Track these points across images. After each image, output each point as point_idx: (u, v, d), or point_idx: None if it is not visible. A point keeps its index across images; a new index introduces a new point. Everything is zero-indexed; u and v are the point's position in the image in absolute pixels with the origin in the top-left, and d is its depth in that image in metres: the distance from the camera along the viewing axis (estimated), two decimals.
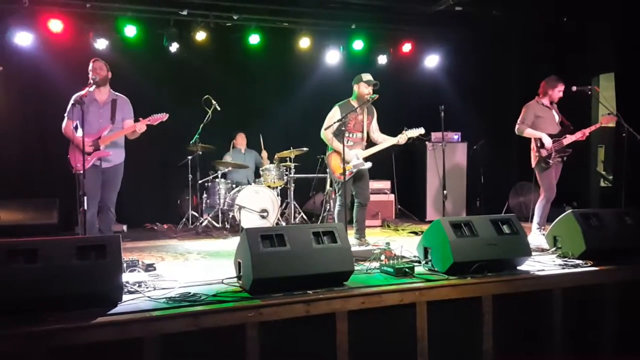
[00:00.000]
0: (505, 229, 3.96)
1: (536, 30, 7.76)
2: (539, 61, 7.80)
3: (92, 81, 4.62)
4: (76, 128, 4.69)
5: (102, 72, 4.75)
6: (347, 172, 5.14)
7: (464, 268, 3.69)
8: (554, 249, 4.46)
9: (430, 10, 7.66)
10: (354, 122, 5.27)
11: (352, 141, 5.29)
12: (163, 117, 4.95)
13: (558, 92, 5.65)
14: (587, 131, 5.60)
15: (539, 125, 5.63)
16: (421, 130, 5.33)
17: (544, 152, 5.56)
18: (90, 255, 3.04)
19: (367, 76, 5.32)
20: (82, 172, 4.54)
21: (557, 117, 5.75)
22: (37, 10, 6.73)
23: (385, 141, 5.41)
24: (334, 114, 5.27)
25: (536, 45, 7.83)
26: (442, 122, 5.62)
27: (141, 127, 4.83)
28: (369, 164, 5.35)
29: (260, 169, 7.24)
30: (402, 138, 5.32)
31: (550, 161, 5.55)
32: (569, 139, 5.57)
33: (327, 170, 5.62)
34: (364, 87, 5.26)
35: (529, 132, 5.63)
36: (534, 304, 3.77)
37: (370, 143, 5.52)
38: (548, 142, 5.53)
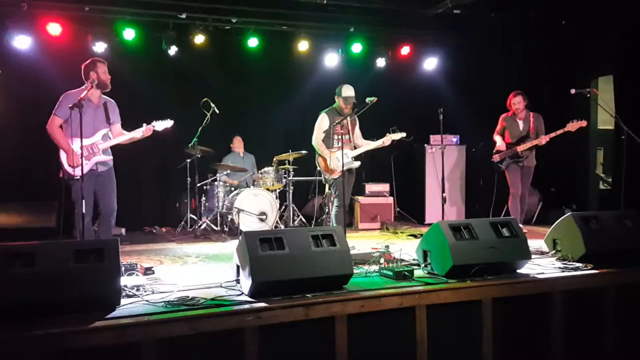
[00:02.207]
0: (505, 232, 3.94)
1: (535, 33, 7.77)
2: (537, 64, 7.82)
3: (95, 83, 4.59)
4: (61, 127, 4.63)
5: (108, 75, 4.72)
6: (337, 170, 5.35)
7: (464, 271, 3.67)
8: (553, 251, 4.45)
9: (428, 13, 7.67)
10: (341, 125, 5.49)
11: (342, 142, 5.48)
12: (168, 124, 4.93)
13: (513, 105, 6.34)
14: (547, 137, 6.10)
15: (505, 134, 6.44)
16: (403, 134, 5.64)
17: (495, 158, 6.44)
18: (89, 259, 3.02)
19: (347, 92, 5.50)
20: (75, 177, 4.52)
21: (521, 127, 6.36)
22: (36, 14, 6.74)
23: (369, 144, 5.68)
24: (322, 121, 5.54)
25: (535, 48, 7.85)
26: (441, 125, 5.69)
27: (147, 133, 4.81)
28: (357, 163, 5.60)
29: (259, 171, 7.23)
30: (386, 139, 5.59)
31: (502, 165, 6.39)
32: (525, 145, 6.21)
33: (318, 170, 5.74)
34: (342, 103, 5.51)
35: (495, 139, 6.51)
36: (533, 307, 3.76)
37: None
38: (500, 145, 6.40)
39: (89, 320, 2.79)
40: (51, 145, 4.69)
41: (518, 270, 3.96)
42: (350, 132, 5.63)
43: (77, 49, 6.85)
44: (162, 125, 4.91)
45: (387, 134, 5.58)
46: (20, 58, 6.86)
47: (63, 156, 4.63)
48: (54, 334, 2.67)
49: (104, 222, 4.74)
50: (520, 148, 6.24)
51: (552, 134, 6.06)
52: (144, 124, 4.83)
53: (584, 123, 5.89)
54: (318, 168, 5.73)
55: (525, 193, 6.42)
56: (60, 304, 2.89)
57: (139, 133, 4.81)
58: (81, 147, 4.29)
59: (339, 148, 5.36)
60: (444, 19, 7.74)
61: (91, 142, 4.62)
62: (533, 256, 4.15)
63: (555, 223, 4.47)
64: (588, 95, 5.77)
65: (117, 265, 3.09)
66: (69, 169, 4.58)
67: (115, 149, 4.94)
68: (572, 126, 5.94)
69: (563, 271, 3.98)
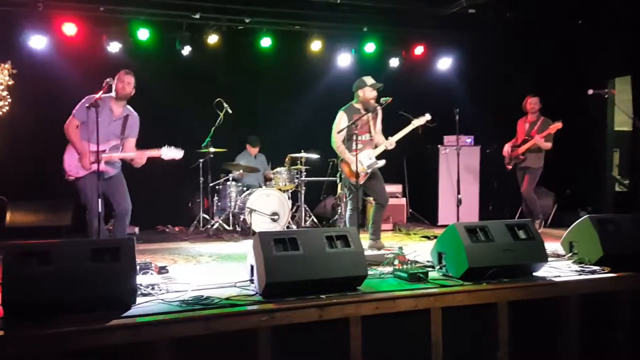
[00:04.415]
0: (521, 234, 3.90)
1: (550, 33, 7.69)
2: (553, 64, 7.74)
3: (114, 92, 4.58)
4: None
5: (130, 87, 4.64)
6: (362, 174, 5.15)
7: (479, 274, 3.64)
8: (570, 254, 4.39)
9: (442, 13, 7.62)
10: (360, 124, 5.24)
11: (362, 143, 5.25)
12: (177, 154, 4.75)
13: (530, 104, 6.59)
14: (540, 136, 6.35)
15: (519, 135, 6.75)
16: (427, 117, 5.33)
17: (506, 159, 6.79)
18: (105, 258, 3.03)
19: (370, 80, 5.34)
20: (74, 177, 4.55)
21: (527, 129, 6.61)
22: (51, 14, 6.78)
23: (380, 145, 5.39)
24: (341, 120, 5.32)
25: (550, 48, 7.76)
26: (457, 126, 5.62)
27: (141, 160, 4.71)
28: (382, 162, 5.37)
29: (272, 171, 7.21)
30: (411, 126, 5.32)
31: (509, 166, 6.74)
32: (522, 148, 6.53)
33: (341, 174, 5.58)
34: (369, 92, 5.31)
35: None
36: (550, 310, 3.72)
37: None
38: (505, 149, 6.76)
39: (105, 319, 2.81)
40: (66, 143, 4.71)
41: (534, 273, 3.92)
42: (372, 128, 5.41)
43: (92, 49, 6.90)
44: (170, 155, 4.73)
45: (411, 122, 5.31)
46: (35, 58, 6.91)
47: (66, 156, 4.63)
48: (70, 333, 2.68)
49: (119, 222, 4.73)
50: (520, 150, 6.54)
51: (544, 133, 6.32)
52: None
53: (559, 125, 6.22)
54: (343, 176, 5.50)
55: (530, 193, 6.53)
56: (76, 303, 2.90)
57: (143, 159, 4.70)
58: (97, 145, 4.27)
59: (355, 150, 5.02)
60: (459, 18, 7.68)
61: (98, 151, 4.55)
62: (549, 259, 4.09)
63: (572, 226, 4.41)
64: (606, 96, 5.73)
65: (133, 264, 3.10)
66: (69, 170, 4.59)
67: None
68: (552, 128, 6.29)
69: (580, 274, 3.93)
